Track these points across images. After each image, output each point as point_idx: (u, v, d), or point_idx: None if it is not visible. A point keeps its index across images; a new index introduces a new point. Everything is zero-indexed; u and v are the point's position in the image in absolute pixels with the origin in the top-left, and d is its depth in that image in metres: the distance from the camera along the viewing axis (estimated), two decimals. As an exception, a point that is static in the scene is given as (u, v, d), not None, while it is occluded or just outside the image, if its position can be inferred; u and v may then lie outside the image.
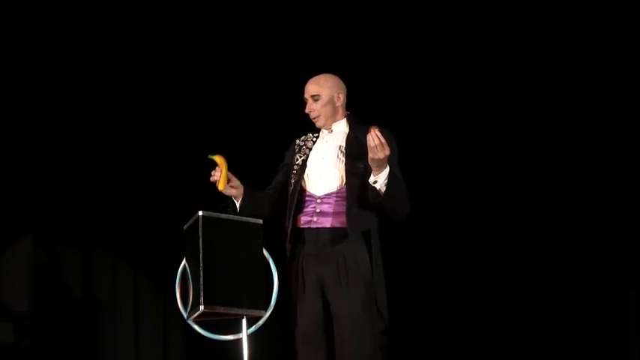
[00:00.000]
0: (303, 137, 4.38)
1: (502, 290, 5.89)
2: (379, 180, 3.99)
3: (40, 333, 5.62)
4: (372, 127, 3.91)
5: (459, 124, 6.06)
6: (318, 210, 4.17)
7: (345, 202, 4.13)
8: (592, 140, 5.83)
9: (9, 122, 5.75)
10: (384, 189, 3.99)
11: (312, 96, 4.28)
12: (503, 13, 5.96)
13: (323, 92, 4.28)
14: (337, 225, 4.14)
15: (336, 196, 4.17)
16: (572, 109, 5.89)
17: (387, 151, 3.90)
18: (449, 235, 6.00)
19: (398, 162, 4.17)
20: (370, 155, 3.92)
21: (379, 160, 3.92)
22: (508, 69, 5.99)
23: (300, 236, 4.18)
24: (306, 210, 4.19)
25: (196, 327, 4.09)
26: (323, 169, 4.22)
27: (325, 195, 4.18)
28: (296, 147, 4.36)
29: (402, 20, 6.08)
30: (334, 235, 4.13)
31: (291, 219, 4.17)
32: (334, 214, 4.15)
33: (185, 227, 4.10)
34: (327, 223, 4.14)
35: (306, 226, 4.17)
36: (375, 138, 3.88)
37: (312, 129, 4.36)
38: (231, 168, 5.98)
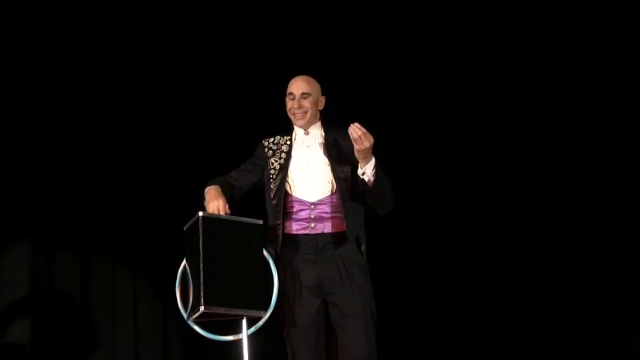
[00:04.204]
0: (272, 139, 4.39)
1: (496, 304, 5.91)
2: (367, 171, 4.08)
3: (39, 336, 5.61)
4: (351, 124, 3.99)
5: (456, 124, 6.07)
6: (312, 216, 4.19)
7: (339, 207, 4.18)
8: (595, 159, 5.84)
9: (8, 125, 5.73)
10: (372, 178, 4.08)
11: (303, 93, 4.30)
12: (499, 12, 5.98)
13: (313, 92, 4.32)
14: (335, 230, 4.18)
15: (329, 202, 4.20)
16: (574, 122, 5.90)
17: (372, 139, 3.99)
18: (440, 241, 6.02)
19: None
20: (356, 147, 4.00)
21: (365, 149, 4.00)
22: (508, 67, 6.00)
23: (294, 242, 4.19)
24: (297, 216, 4.21)
25: (196, 328, 4.09)
26: (311, 175, 4.24)
27: (318, 201, 4.21)
28: (267, 150, 4.35)
29: (384, 21, 6.10)
30: (334, 239, 4.18)
31: (282, 225, 4.19)
32: (330, 218, 4.19)
33: (185, 228, 4.11)
34: (325, 228, 4.18)
35: (302, 232, 4.19)
36: (356, 130, 3.96)
37: (280, 131, 4.38)
38: (232, 167, 6.01)
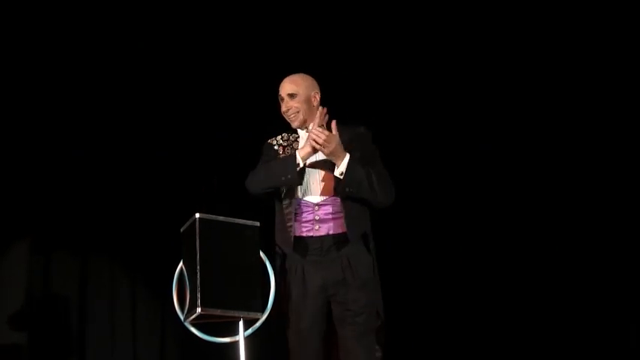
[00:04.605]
0: (279, 137, 4.30)
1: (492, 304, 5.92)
2: (343, 169, 4.03)
3: (37, 336, 5.61)
4: (310, 131, 4.01)
5: (456, 124, 6.06)
6: (317, 217, 4.13)
7: (342, 207, 4.11)
8: (595, 159, 5.84)
9: (8, 125, 5.74)
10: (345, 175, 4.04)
11: (290, 94, 4.22)
12: (499, 12, 5.97)
13: (300, 90, 4.22)
14: (339, 230, 4.12)
15: (333, 202, 4.13)
16: (574, 122, 5.90)
17: (336, 137, 3.98)
18: (442, 238, 6.02)
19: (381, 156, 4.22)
20: (325, 152, 4.01)
21: (334, 149, 3.99)
22: (508, 67, 6.00)
23: (301, 244, 4.13)
24: (302, 217, 4.14)
25: (193, 329, 4.08)
26: (315, 175, 4.17)
27: (322, 202, 4.14)
28: (277, 147, 4.26)
29: (384, 21, 6.10)
30: (338, 240, 4.11)
31: (293, 227, 4.12)
32: (334, 219, 4.12)
33: (182, 229, 4.10)
34: (330, 229, 4.12)
35: (307, 234, 4.13)
36: (319, 135, 3.96)
37: (286, 129, 4.30)
38: (231, 168, 6.01)
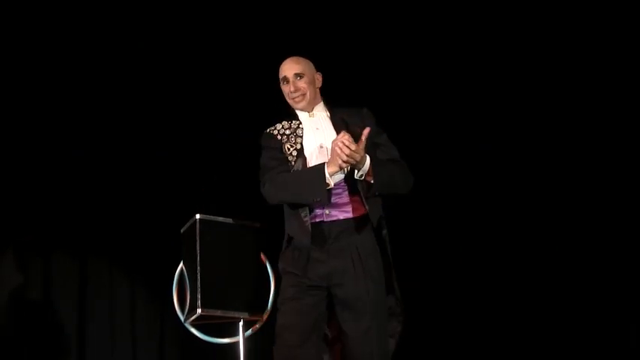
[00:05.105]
0: (279, 126, 4.10)
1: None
2: (364, 173, 3.82)
3: (36, 338, 5.62)
4: (335, 141, 3.77)
5: (456, 124, 6.06)
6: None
7: (355, 191, 3.90)
8: (595, 159, 5.83)
9: (8, 125, 5.74)
10: (371, 179, 3.83)
11: (297, 74, 4.06)
12: (499, 12, 5.97)
13: (306, 71, 4.09)
14: (350, 215, 3.92)
15: (345, 186, 3.93)
16: (574, 122, 5.89)
17: (360, 150, 3.75)
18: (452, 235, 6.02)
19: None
20: (351, 163, 3.79)
21: (361, 157, 3.78)
22: (507, 67, 5.99)
23: (312, 231, 3.89)
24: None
25: (193, 330, 4.10)
26: (325, 159, 3.90)
27: (333, 185, 3.88)
28: (279, 136, 4.05)
29: (385, 21, 6.10)
30: (348, 225, 3.91)
31: (309, 216, 3.89)
32: (345, 204, 3.92)
33: (182, 230, 4.11)
34: (341, 214, 3.91)
35: (316, 220, 3.91)
36: (344, 149, 3.73)
37: (285, 116, 4.13)
38: (230, 170, 6.01)
